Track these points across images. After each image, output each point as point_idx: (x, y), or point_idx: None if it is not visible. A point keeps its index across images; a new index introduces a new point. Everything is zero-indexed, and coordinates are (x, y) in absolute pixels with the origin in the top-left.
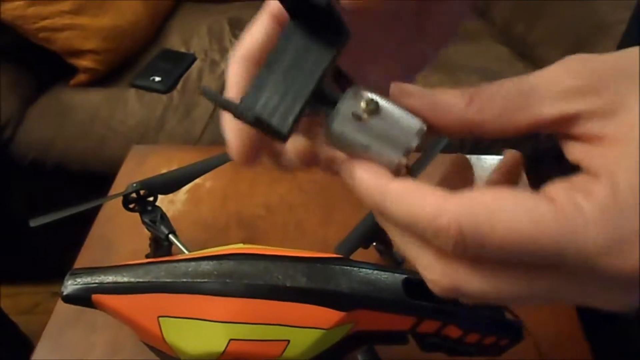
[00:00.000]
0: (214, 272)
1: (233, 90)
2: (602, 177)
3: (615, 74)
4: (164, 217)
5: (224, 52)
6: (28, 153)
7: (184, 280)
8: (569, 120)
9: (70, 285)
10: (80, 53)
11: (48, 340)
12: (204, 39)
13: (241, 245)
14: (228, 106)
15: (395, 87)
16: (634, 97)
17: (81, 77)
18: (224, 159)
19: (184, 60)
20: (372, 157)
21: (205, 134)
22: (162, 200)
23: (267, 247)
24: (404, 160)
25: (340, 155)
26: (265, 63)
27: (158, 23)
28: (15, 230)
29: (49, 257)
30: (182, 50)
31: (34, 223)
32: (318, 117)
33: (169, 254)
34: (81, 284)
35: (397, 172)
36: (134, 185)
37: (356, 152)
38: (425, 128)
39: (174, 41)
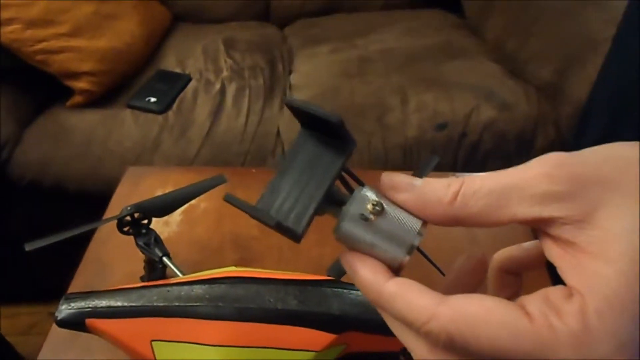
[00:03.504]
0: (206, 296)
1: None
2: (574, 296)
3: (593, 181)
4: (158, 240)
5: (219, 72)
6: (25, 174)
7: (177, 304)
8: (545, 222)
9: (65, 310)
10: (76, 75)
11: None
12: (199, 59)
13: (233, 268)
14: (248, 210)
15: (385, 178)
16: (609, 209)
17: (78, 99)
18: (218, 180)
19: (179, 81)
20: (376, 254)
21: (201, 153)
22: (157, 222)
23: (259, 269)
24: (406, 259)
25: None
26: (280, 168)
27: (153, 44)
28: (13, 251)
29: (46, 278)
30: (178, 70)
31: (29, 247)
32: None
33: (163, 276)
34: (75, 309)
35: (399, 268)
36: (128, 208)
37: (362, 249)
38: (425, 227)
39: (170, 62)
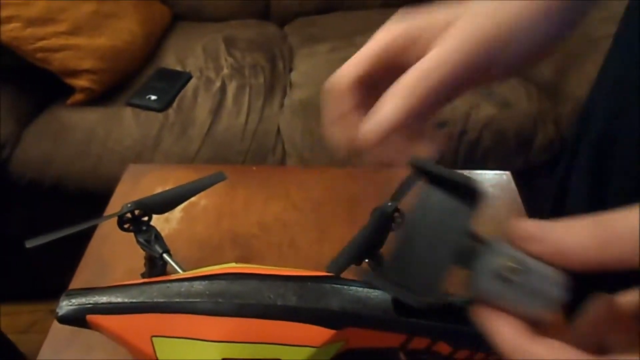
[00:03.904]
0: (206, 292)
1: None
2: None
3: None
4: (158, 237)
5: (219, 70)
6: (26, 173)
7: (177, 300)
8: None
9: (65, 306)
10: (76, 73)
11: None
12: (199, 57)
13: (233, 264)
14: (391, 292)
15: (516, 228)
16: None
17: (78, 97)
18: (218, 178)
19: (179, 79)
20: (516, 311)
21: (201, 151)
22: (157, 219)
23: (259, 266)
24: (550, 315)
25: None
26: (405, 226)
27: (154, 42)
28: (14, 249)
29: (47, 275)
30: (178, 68)
31: (29, 244)
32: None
33: (164, 272)
34: (76, 305)
35: (541, 323)
36: (129, 205)
37: (499, 306)
38: (567, 278)
39: (170, 60)
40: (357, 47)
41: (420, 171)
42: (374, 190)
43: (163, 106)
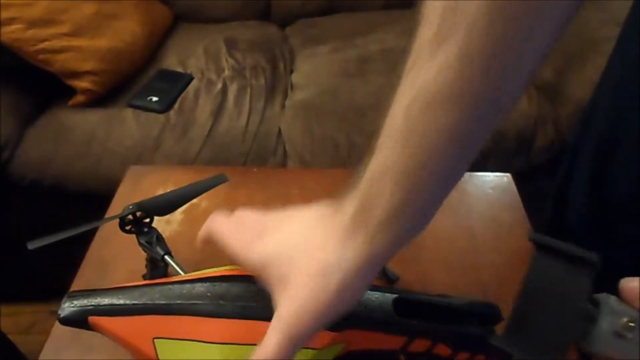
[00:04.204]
0: (208, 294)
1: None
2: None
3: None
4: (159, 238)
5: (220, 71)
6: (26, 174)
7: (179, 302)
8: None
9: (67, 308)
10: (78, 74)
11: None
12: (200, 58)
13: (235, 266)
14: (512, 351)
15: (627, 288)
16: None
17: (79, 98)
18: (219, 179)
19: (180, 80)
20: None
21: (202, 153)
22: (158, 221)
23: None
24: None
25: None
26: (522, 293)
27: (155, 44)
28: (15, 250)
29: (48, 276)
30: (179, 70)
31: (31, 246)
32: None
33: (165, 274)
34: (78, 306)
35: None
36: (130, 207)
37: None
38: None
39: (171, 61)
40: (358, 48)
41: (540, 245)
42: None
43: (164, 107)
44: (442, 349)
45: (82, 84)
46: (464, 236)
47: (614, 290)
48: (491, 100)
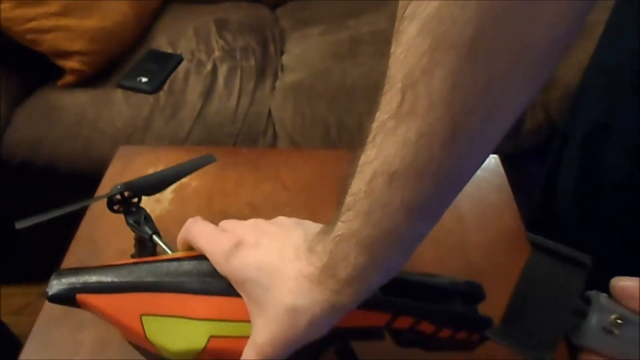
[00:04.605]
0: (195, 272)
1: None
2: None
3: None
4: (148, 218)
5: (210, 52)
6: (16, 154)
7: (166, 279)
8: None
9: (56, 286)
10: (67, 54)
11: (36, 339)
12: (190, 39)
13: None
14: (506, 343)
15: (618, 287)
16: None
17: (68, 78)
18: (209, 159)
19: (170, 61)
20: (619, 358)
21: (192, 134)
22: (148, 200)
23: None
24: None
25: None
26: (517, 289)
27: (145, 24)
28: (5, 231)
29: (39, 258)
30: (169, 51)
31: (19, 225)
32: None
33: (154, 253)
34: (66, 284)
35: None
36: (118, 187)
37: (604, 355)
38: None
39: (161, 42)
40: (349, 29)
41: (536, 246)
42: None
43: (154, 88)
44: (426, 326)
45: (71, 63)
46: (452, 216)
47: (605, 287)
48: (453, 176)
